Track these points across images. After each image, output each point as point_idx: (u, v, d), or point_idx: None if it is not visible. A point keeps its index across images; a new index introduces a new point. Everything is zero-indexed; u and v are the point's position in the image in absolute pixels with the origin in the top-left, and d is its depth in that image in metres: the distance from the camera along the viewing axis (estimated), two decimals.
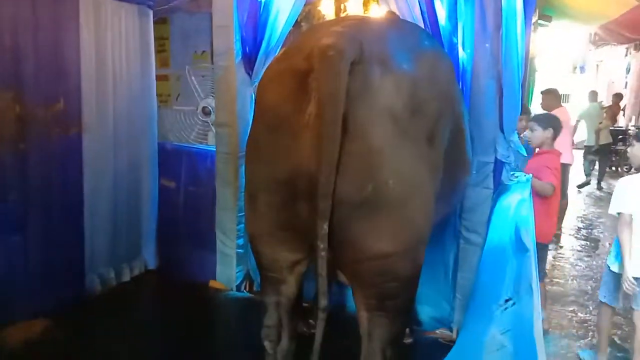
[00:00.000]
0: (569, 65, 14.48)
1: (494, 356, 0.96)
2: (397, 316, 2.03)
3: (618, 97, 10.84)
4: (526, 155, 3.33)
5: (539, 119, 3.78)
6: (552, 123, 3.62)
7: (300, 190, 1.86)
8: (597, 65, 14.14)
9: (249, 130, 2.26)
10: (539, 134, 3.54)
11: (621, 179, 3.26)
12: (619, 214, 2.99)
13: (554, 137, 3.58)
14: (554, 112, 5.84)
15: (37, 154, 3.29)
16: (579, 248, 5.85)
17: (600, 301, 3.23)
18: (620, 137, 10.36)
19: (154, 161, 4.22)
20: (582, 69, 14.76)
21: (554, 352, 3.52)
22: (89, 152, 3.63)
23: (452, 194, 2.46)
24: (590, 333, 3.79)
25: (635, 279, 2.85)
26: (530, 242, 1.68)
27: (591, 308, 4.22)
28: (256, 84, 3.89)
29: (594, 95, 9.64)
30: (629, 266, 2.81)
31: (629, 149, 3.36)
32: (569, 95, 13.20)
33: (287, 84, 1.91)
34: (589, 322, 3.96)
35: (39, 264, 3.38)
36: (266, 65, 3.81)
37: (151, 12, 4.16)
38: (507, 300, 1.19)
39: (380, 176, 1.83)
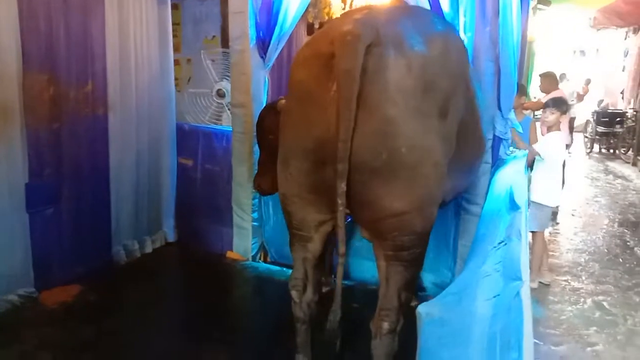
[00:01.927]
0: (570, 49, 14.62)
1: (485, 280, 1.18)
2: (411, 265, 2.28)
3: (587, 81, 11.82)
4: (522, 131, 3.57)
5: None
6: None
7: (326, 156, 2.07)
8: (597, 49, 14.28)
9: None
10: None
11: (545, 135, 4.35)
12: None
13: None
14: (552, 95, 6.09)
15: (69, 132, 3.54)
16: (575, 225, 6.12)
17: (532, 231, 4.23)
18: (618, 119, 10.59)
19: (172, 140, 4.47)
20: (582, 52, 14.91)
21: (547, 316, 3.82)
22: (114, 131, 3.88)
23: (467, 167, 2.72)
24: (582, 299, 4.08)
25: (534, 203, 4.15)
26: (522, 202, 1.93)
27: (584, 278, 4.50)
28: (269, 66, 4.15)
29: (562, 77, 10.29)
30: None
31: (543, 115, 4.36)
32: (567, 78, 13.37)
33: (315, 66, 2.16)
34: (581, 290, 4.24)
35: (71, 235, 3.66)
36: (279, 49, 4.08)
37: (169, 0, 4.39)
38: (500, 243, 1.42)
39: (393, 144, 2.05)
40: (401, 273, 2.26)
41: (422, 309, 1.17)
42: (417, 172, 2.13)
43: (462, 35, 3.32)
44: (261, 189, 3.58)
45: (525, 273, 1.17)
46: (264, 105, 3.77)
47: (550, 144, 4.19)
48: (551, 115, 4.26)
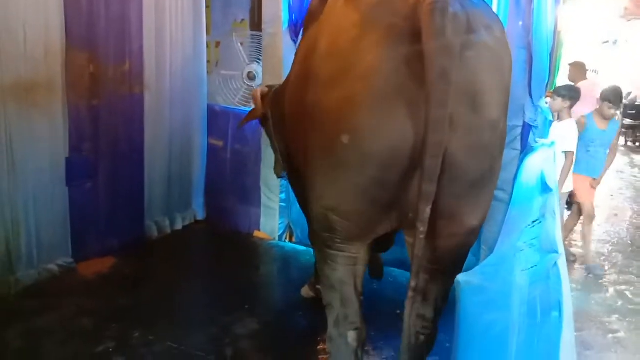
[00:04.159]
0: (599, 39, 14.36)
1: (521, 254, 1.23)
2: (452, 276, 1.91)
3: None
4: (552, 119, 3.59)
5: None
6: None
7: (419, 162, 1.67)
8: (627, 40, 14.01)
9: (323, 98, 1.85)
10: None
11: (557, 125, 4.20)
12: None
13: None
14: (580, 85, 6.05)
15: (107, 109, 3.66)
16: (599, 216, 6.10)
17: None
18: None
19: (203, 121, 4.57)
20: (612, 43, 14.64)
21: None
22: (149, 110, 3.99)
23: None
24: (605, 288, 4.11)
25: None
26: (553, 185, 1.98)
27: (607, 267, 4.52)
28: None
29: None
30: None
31: (549, 101, 4.20)
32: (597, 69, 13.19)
33: (395, 49, 1.67)
34: (604, 280, 4.27)
35: (108, 209, 3.79)
36: None
37: None
38: (534, 221, 1.46)
39: (495, 151, 1.78)
40: (442, 285, 1.96)
41: (461, 278, 1.23)
42: (495, 182, 1.90)
43: None
44: None
45: (561, 247, 1.24)
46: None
47: (558, 133, 4.13)
48: (553, 102, 4.27)
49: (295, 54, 2.65)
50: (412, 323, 1.76)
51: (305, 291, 3.42)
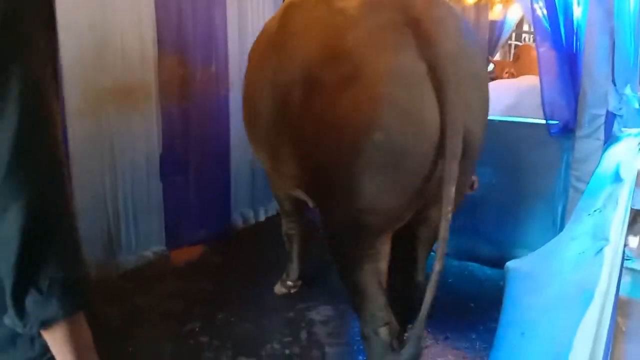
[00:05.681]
0: None
1: (573, 242, 1.23)
2: None
3: None
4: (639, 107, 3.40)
5: None
6: None
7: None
8: None
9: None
10: None
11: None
12: None
13: None
14: None
15: (196, 109, 3.96)
16: None
17: None
18: None
19: None
20: None
21: None
22: (234, 109, 4.23)
23: None
24: None
25: None
26: (627, 175, 1.91)
27: None
28: None
29: None
30: None
31: None
32: None
33: (401, 38, 1.76)
34: None
35: (197, 201, 4.09)
36: None
37: None
38: (594, 210, 1.44)
39: (486, 123, 2.01)
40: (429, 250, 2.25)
41: (510, 264, 1.27)
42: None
43: (575, 7, 3.23)
44: None
45: (615, 235, 1.23)
46: None
47: None
48: None
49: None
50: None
51: (278, 289, 3.50)
